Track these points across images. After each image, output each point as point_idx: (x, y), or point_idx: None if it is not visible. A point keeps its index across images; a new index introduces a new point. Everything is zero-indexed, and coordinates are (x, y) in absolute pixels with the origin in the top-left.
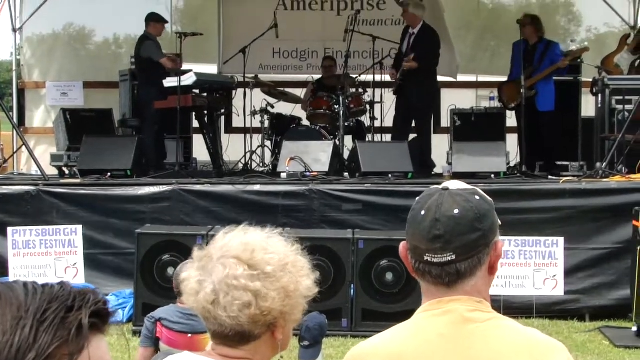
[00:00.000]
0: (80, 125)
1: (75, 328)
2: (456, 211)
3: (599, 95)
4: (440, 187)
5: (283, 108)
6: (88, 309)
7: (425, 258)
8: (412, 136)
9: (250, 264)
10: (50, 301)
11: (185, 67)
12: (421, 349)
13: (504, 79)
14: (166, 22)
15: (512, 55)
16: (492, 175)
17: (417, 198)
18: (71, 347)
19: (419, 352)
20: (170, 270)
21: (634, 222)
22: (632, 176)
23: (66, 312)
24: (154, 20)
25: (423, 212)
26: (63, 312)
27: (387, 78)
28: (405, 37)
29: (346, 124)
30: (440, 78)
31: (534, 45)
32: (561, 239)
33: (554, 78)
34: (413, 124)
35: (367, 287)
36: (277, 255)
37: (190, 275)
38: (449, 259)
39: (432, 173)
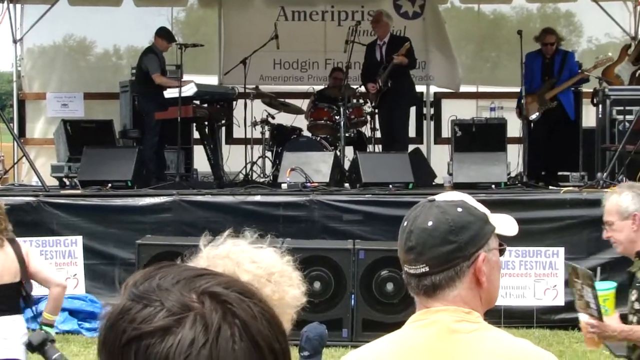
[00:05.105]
0: (80, 136)
1: None
2: (430, 223)
3: (600, 106)
4: (429, 198)
5: (284, 119)
6: None
7: (405, 269)
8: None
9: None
10: None
11: (185, 78)
12: (407, 359)
13: (505, 89)
14: (173, 40)
15: (526, 66)
16: (493, 186)
17: None
18: None
19: None
20: None
21: None
22: None
23: None
24: (160, 35)
25: (405, 224)
26: None
27: None
28: (374, 49)
29: (347, 135)
30: (440, 89)
31: (552, 57)
32: (562, 249)
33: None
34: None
35: (368, 297)
36: (261, 265)
37: None
38: (423, 270)
39: (433, 183)
